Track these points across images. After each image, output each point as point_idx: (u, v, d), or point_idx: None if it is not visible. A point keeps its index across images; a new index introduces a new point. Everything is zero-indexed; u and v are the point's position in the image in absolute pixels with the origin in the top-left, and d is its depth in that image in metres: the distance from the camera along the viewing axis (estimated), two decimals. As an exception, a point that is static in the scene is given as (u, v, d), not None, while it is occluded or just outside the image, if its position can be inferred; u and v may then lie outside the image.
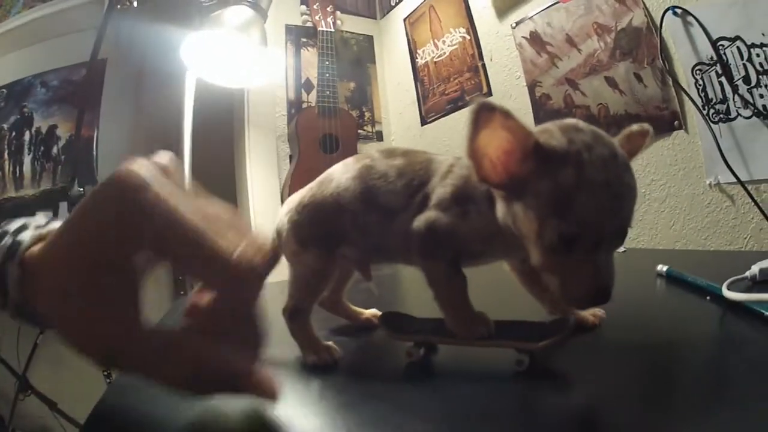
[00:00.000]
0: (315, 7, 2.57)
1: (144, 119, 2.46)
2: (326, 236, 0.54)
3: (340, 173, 0.53)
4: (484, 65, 2.14)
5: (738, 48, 1.39)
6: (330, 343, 0.52)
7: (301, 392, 0.44)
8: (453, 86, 2.28)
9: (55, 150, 2.37)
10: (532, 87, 1.93)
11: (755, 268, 0.68)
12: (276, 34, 2.56)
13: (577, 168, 0.37)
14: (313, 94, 2.54)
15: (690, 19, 1.47)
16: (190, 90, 1.80)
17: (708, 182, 1.47)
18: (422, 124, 2.48)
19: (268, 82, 2.46)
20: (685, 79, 1.50)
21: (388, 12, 2.80)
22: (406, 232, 0.48)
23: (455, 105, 2.30)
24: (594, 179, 0.37)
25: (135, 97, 2.54)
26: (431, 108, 2.44)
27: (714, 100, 1.45)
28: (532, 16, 1.92)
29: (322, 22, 2.55)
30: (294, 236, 0.54)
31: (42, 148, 2.38)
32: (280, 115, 2.53)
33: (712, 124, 1.44)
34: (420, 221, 0.47)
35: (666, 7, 1.52)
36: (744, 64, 1.38)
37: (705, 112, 1.46)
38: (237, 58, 1.66)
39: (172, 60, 1.71)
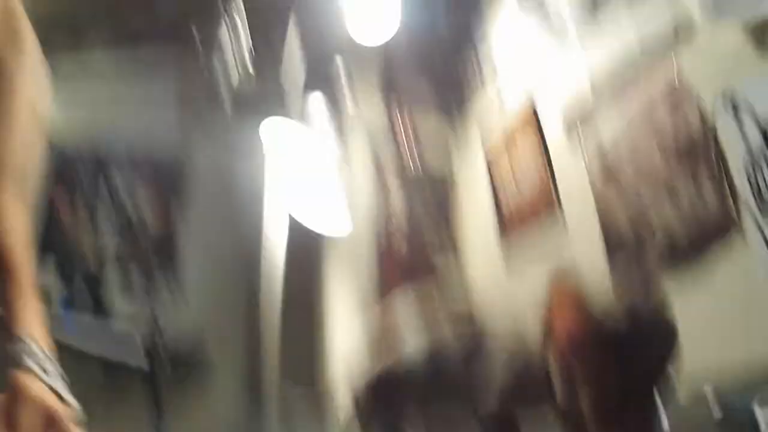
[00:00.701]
0: (399, 138, 2.69)
1: (227, 235, 2.59)
2: (392, 415, 0.58)
3: (411, 344, 0.57)
4: (559, 197, 2.07)
5: None
6: None
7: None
8: (530, 218, 2.22)
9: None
10: (602, 215, 1.81)
11: None
12: (362, 164, 2.67)
13: (636, 336, 0.40)
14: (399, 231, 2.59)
15: (740, 107, 1.34)
16: (282, 222, 1.90)
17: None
18: (502, 255, 2.40)
19: (355, 215, 2.54)
20: (740, 181, 1.37)
21: (473, 139, 2.79)
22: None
23: (530, 233, 2.22)
24: (648, 345, 0.40)
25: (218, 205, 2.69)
26: (510, 237, 2.36)
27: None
28: (600, 138, 1.85)
29: (404, 157, 2.65)
30: (363, 408, 0.60)
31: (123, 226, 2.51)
32: (367, 249, 2.56)
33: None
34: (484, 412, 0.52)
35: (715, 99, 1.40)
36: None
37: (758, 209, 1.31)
38: (314, 153, 1.75)
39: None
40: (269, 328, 1.78)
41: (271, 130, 1.74)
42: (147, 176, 2.74)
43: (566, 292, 0.35)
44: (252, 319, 1.83)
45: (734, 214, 1.36)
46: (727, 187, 1.38)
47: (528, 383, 0.41)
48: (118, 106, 2.59)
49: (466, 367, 0.43)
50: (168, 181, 2.78)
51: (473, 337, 0.42)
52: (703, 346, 1.44)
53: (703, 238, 1.45)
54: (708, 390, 0.73)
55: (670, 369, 0.39)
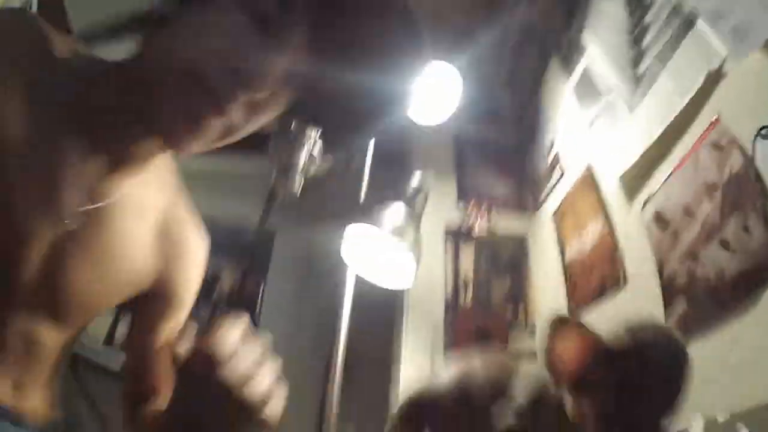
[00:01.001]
0: (470, 206, 2.83)
1: (304, 302, 2.69)
2: (421, 428, 0.66)
3: (444, 375, 0.66)
4: (620, 254, 2.08)
5: None
6: None
7: None
8: (595, 278, 2.20)
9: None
10: (660, 268, 1.80)
11: None
12: (436, 234, 2.80)
13: (642, 361, 0.44)
14: (470, 291, 2.65)
15: None
16: (350, 284, 1.99)
17: None
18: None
19: (428, 280, 2.63)
20: None
21: (539, 206, 2.89)
22: None
23: (597, 299, 2.18)
24: (656, 370, 0.44)
25: (298, 278, 2.80)
26: (579, 302, 2.33)
27: None
28: (654, 194, 1.87)
29: (477, 222, 2.75)
30: (399, 423, 0.69)
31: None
32: (438, 312, 2.62)
33: None
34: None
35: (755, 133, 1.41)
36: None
37: None
38: (390, 259, 1.82)
39: (333, 254, 1.92)
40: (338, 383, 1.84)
41: (352, 239, 1.85)
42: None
43: (569, 328, 0.39)
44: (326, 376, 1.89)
45: None
46: None
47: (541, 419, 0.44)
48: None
49: (490, 401, 0.48)
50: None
51: (502, 380, 0.46)
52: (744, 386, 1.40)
53: (753, 276, 1.41)
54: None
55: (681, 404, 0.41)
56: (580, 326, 0.42)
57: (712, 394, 1.48)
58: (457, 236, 2.81)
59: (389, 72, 0.79)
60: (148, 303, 0.96)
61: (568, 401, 0.45)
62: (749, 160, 1.43)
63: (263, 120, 0.79)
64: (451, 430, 0.59)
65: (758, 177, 1.41)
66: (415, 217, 1.80)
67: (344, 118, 0.87)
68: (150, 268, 0.92)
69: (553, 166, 2.75)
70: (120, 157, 0.81)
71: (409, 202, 1.79)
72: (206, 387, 0.61)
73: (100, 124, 0.78)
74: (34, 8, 2.35)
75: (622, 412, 0.40)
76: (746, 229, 1.44)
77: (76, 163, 0.77)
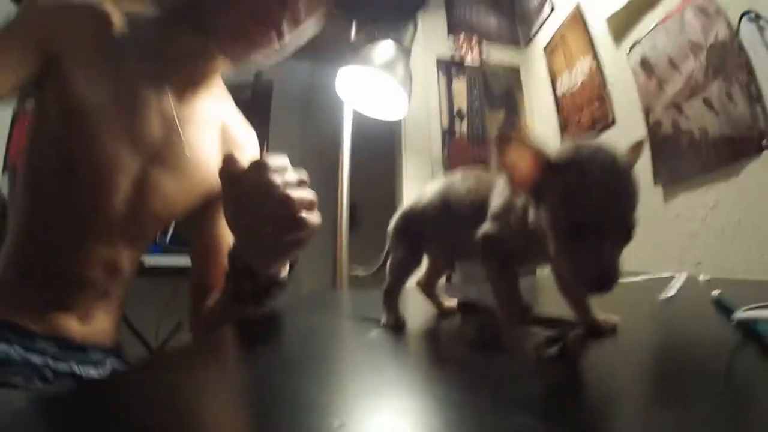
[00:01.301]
0: (461, 38, 2.80)
1: (308, 142, 2.75)
2: (413, 237, 0.71)
3: (430, 190, 0.70)
4: (608, 93, 2.14)
5: None
6: (402, 314, 0.67)
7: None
8: (586, 115, 2.29)
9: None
10: (646, 114, 1.89)
11: None
12: (428, 65, 2.80)
13: (581, 171, 0.45)
14: (465, 122, 2.72)
15: (763, 23, 1.38)
16: (348, 119, 2.08)
17: None
18: (564, 153, 2.42)
19: (423, 112, 2.70)
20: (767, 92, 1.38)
21: (530, 41, 2.88)
22: (473, 239, 0.60)
23: (588, 134, 2.22)
24: (594, 178, 0.45)
25: (299, 120, 2.84)
26: (570, 137, 2.38)
27: None
28: (640, 40, 1.91)
29: (468, 54, 2.76)
30: (394, 235, 0.74)
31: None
32: (435, 142, 2.70)
33: None
34: (479, 232, 0.59)
35: (741, 12, 1.43)
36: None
37: None
38: (383, 93, 1.88)
39: (330, 93, 1.99)
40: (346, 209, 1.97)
41: (346, 78, 1.88)
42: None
43: (515, 143, 0.43)
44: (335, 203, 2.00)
45: (762, 123, 1.40)
46: (755, 94, 1.42)
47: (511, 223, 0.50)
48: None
49: (468, 209, 0.55)
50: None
51: (479, 190, 0.53)
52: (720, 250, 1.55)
53: (734, 143, 1.50)
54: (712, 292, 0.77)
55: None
56: (523, 141, 0.48)
57: (697, 249, 1.65)
58: (449, 68, 2.82)
59: None
60: (212, 203, 1.05)
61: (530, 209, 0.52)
62: (734, 33, 1.47)
63: (309, 32, 0.96)
64: (437, 236, 0.70)
65: (742, 51, 1.45)
66: (404, 51, 1.85)
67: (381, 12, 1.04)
68: (212, 174, 1.01)
69: (543, 1, 2.71)
70: (186, 81, 0.96)
71: (398, 37, 1.82)
72: (263, 189, 0.69)
73: (167, 57, 0.93)
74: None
75: (570, 209, 0.46)
76: (729, 96, 1.51)
77: (150, 95, 0.91)
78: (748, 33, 1.43)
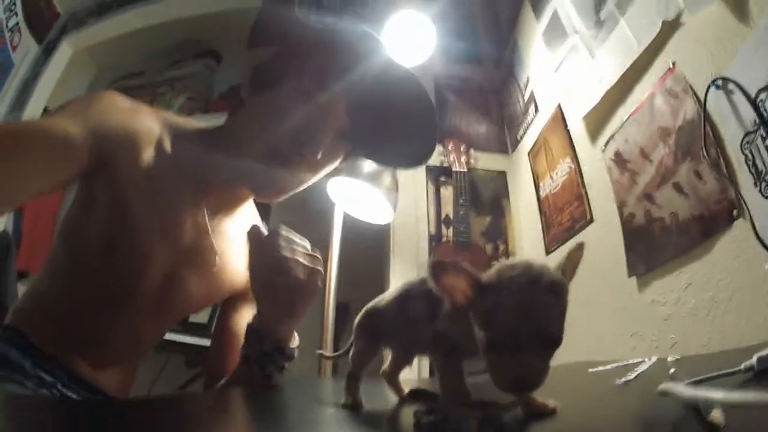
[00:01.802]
0: (450, 147, 2.85)
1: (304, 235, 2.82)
2: (372, 331, 0.76)
3: (389, 294, 0.75)
4: (586, 192, 2.14)
5: None
6: (360, 397, 0.72)
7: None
8: (566, 216, 2.27)
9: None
10: (620, 208, 1.87)
11: (754, 358, 0.61)
12: (418, 173, 2.86)
13: (498, 295, 0.50)
14: (452, 229, 2.72)
15: (731, 86, 1.35)
16: (338, 221, 2.23)
17: (767, 267, 1.23)
18: (546, 254, 2.44)
19: (412, 217, 2.74)
20: (736, 159, 1.35)
21: (516, 145, 2.92)
22: (426, 336, 0.64)
23: (568, 234, 2.26)
24: (508, 302, 0.49)
25: (298, 223, 2.91)
26: (553, 238, 2.41)
27: (764, 171, 1.26)
28: (613, 135, 1.92)
29: (456, 162, 2.79)
30: (356, 329, 0.78)
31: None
32: (422, 247, 2.71)
33: (765, 199, 1.25)
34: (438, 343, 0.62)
35: (708, 82, 1.42)
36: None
37: (757, 189, 1.27)
38: (370, 200, 2.04)
39: (325, 198, 2.13)
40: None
41: (336, 187, 2.02)
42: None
43: (449, 269, 0.45)
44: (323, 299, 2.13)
45: (732, 194, 1.35)
46: (724, 167, 1.38)
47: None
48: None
49: (424, 308, 0.58)
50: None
51: (433, 296, 0.55)
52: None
53: (704, 220, 1.46)
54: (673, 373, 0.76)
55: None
56: (456, 267, 0.50)
57: (671, 332, 1.56)
58: (437, 175, 2.87)
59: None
60: (235, 303, 1.24)
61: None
62: (702, 107, 1.46)
63: (325, 170, 1.09)
64: (394, 333, 0.71)
65: (711, 123, 1.44)
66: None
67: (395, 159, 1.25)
68: (240, 277, 1.19)
69: (528, 105, 2.77)
70: (220, 199, 1.10)
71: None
72: (279, 254, 0.90)
73: (205, 179, 1.06)
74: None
75: (488, 330, 0.49)
76: (698, 175, 1.49)
77: (188, 207, 1.05)
78: (715, 102, 1.42)
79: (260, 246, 0.93)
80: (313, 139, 0.99)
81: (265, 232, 0.93)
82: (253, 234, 0.94)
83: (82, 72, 3.42)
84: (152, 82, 3.38)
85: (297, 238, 0.94)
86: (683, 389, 0.48)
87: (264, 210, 3.15)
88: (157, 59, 3.50)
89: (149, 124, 1.02)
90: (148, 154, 0.99)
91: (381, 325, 0.75)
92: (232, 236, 1.15)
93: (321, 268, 0.96)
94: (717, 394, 0.39)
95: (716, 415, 0.42)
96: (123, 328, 1.05)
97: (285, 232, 0.93)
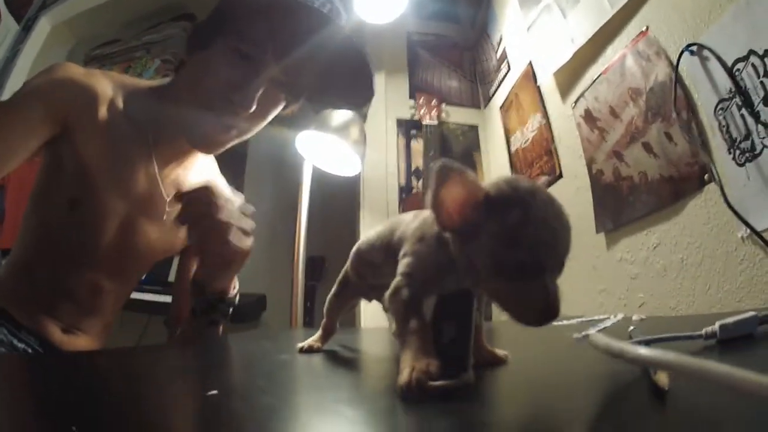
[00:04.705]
0: (421, 101, 2.77)
1: (278, 198, 2.79)
2: (343, 278, 0.75)
3: (357, 243, 0.71)
4: (555, 148, 2.10)
5: (753, 64, 1.18)
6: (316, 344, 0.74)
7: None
8: (536, 170, 2.24)
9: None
10: (589, 165, 1.83)
11: (716, 325, 0.58)
12: (389, 126, 2.80)
13: (524, 208, 0.43)
14: (422, 181, 2.68)
15: (706, 53, 1.31)
16: (308, 175, 2.25)
17: (740, 235, 1.20)
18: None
19: (383, 170, 2.69)
20: (710, 125, 1.31)
21: (488, 101, 2.86)
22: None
23: None
24: (538, 216, 0.43)
25: (271, 178, 2.93)
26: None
27: (738, 139, 1.22)
28: (583, 93, 1.87)
29: (427, 115, 2.72)
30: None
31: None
32: (392, 200, 2.67)
33: (738, 167, 1.22)
34: (392, 283, 0.53)
35: (682, 48, 1.37)
36: (761, 82, 1.15)
37: (731, 156, 1.24)
38: (338, 153, 2.03)
39: (293, 152, 2.10)
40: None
41: (305, 141, 2.02)
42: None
43: (455, 176, 0.39)
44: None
45: (705, 157, 1.32)
46: (696, 130, 1.35)
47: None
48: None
49: (380, 248, 0.54)
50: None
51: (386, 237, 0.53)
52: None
53: (675, 182, 1.43)
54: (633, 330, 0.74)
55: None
56: (463, 174, 0.42)
57: (639, 291, 1.56)
58: (408, 129, 2.81)
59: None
60: (190, 252, 1.25)
61: (452, 243, 0.47)
62: (673, 70, 1.42)
63: (266, 119, 1.08)
64: (376, 270, 0.66)
65: (682, 87, 1.40)
66: (360, 115, 2.02)
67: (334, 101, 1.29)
68: None
69: (500, 62, 2.69)
70: (171, 148, 1.11)
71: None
72: (208, 213, 0.88)
73: (153, 132, 1.08)
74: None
75: (514, 249, 0.41)
76: (669, 137, 1.45)
77: (140, 159, 1.07)
78: (689, 67, 1.38)
79: (192, 207, 0.90)
80: (243, 94, 0.98)
81: (215, 190, 0.90)
82: (184, 196, 0.91)
83: (60, 46, 3.31)
84: (128, 48, 3.29)
85: (231, 197, 0.92)
86: (606, 341, 0.43)
87: (236, 165, 3.19)
88: (134, 27, 3.39)
89: (102, 86, 1.04)
90: (102, 113, 1.02)
91: (350, 270, 0.73)
92: (184, 186, 1.16)
93: (251, 230, 0.96)
94: (639, 351, 0.37)
95: (661, 377, 0.38)
96: (84, 279, 1.09)
97: (216, 190, 0.89)
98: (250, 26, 0.99)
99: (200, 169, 1.21)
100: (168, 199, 1.12)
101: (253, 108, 1.00)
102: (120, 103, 1.06)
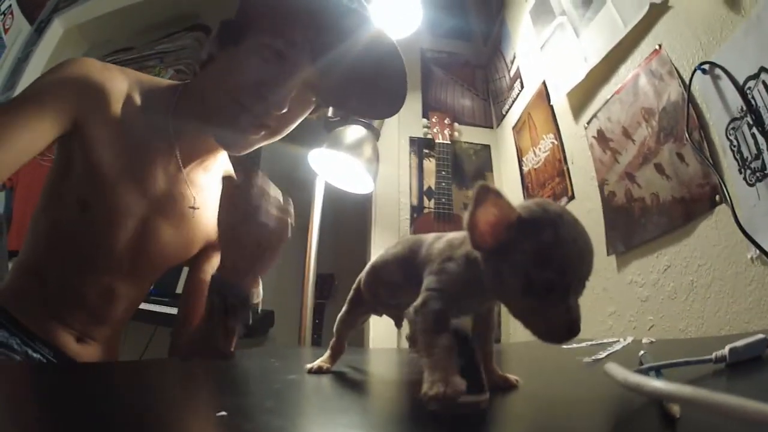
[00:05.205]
0: (434, 120, 2.74)
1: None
2: (354, 297, 0.75)
3: (371, 262, 0.71)
4: (568, 169, 2.07)
5: (764, 82, 1.15)
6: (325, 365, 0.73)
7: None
8: (548, 191, 2.20)
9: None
10: (601, 186, 1.79)
11: (726, 349, 0.58)
12: (402, 144, 2.79)
13: (554, 229, 0.44)
14: (434, 201, 2.63)
15: (718, 71, 1.28)
16: (320, 191, 2.22)
17: (749, 256, 1.17)
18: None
19: (395, 188, 2.68)
20: (721, 145, 1.28)
21: (501, 121, 2.82)
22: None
23: None
24: (567, 237, 0.44)
25: (284, 193, 2.91)
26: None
27: (749, 158, 1.19)
28: (596, 113, 1.84)
29: (440, 134, 2.69)
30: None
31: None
32: (403, 219, 2.64)
33: (749, 187, 1.18)
34: (420, 296, 0.53)
35: (695, 66, 1.35)
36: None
37: (741, 176, 1.20)
38: (351, 171, 2.01)
39: (305, 169, 2.10)
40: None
41: (317, 158, 1.99)
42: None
43: (490, 197, 0.38)
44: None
45: (716, 178, 1.28)
46: (707, 151, 1.32)
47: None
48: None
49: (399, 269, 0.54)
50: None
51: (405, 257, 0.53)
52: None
53: (686, 203, 1.40)
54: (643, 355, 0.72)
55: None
56: (499, 196, 0.42)
57: (649, 313, 1.51)
58: (421, 147, 2.80)
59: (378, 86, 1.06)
60: (206, 253, 1.19)
61: (483, 262, 0.49)
62: (686, 89, 1.39)
63: (296, 122, 1.05)
64: (394, 289, 0.66)
65: (694, 107, 1.38)
66: (373, 132, 1.99)
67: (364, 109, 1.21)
68: (213, 227, 1.10)
69: (514, 81, 2.66)
70: (193, 148, 1.07)
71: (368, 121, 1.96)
72: (251, 199, 0.88)
73: (174, 130, 1.04)
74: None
75: (543, 268, 0.41)
76: (681, 157, 1.42)
77: (159, 156, 1.04)
78: (701, 86, 1.35)
79: (233, 191, 0.91)
80: (277, 93, 0.96)
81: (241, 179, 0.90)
82: (228, 180, 0.94)
83: (73, 50, 3.30)
84: (142, 56, 3.29)
85: (271, 189, 0.92)
86: (623, 373, 0.43)
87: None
88: (147, 34, 3.40)
89: (117, 82, 1.01)
90: (115, 109, 0.99)
91: (363, 291, 0.73)
92: (206, 186, 1.14)
93: (291, 221, 0.94)
94: (655, 384, 0.37)
95: (673, 407, 0.39)
96: (97, 284, 1.04)
97: (260, 180, 0.90)
98: (289, 26, 0.96)
99: (219, 171, 1.19)
100: (194, 199, 1.10)
101: (286, 108, 0.97)
102: (138, 100, 1.03)
